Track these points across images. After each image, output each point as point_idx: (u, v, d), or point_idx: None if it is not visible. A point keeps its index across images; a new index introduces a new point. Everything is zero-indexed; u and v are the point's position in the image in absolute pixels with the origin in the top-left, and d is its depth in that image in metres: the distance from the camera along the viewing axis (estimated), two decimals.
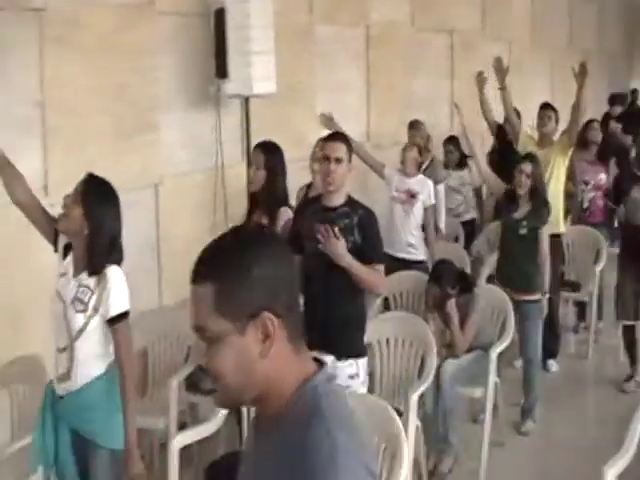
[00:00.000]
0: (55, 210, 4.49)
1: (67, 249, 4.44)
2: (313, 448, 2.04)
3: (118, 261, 4.37)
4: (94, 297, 4.28)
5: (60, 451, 4.40)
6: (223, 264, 2.15)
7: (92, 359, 4.34)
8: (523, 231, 7.15)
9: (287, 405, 2.14)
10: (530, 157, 7.42)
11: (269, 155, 5.80)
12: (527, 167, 7.16)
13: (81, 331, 4.30)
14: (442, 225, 8.98)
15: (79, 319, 4.29)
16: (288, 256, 2.24)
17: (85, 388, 4.35)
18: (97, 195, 4.33)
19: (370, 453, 2.26)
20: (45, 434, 4.43)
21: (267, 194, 5.76)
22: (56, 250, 4.50)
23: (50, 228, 4.50)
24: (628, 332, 8.11)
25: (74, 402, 4.37)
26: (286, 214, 5.71)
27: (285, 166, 5.96)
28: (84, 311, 4.29)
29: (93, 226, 4.28)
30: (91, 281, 4.30)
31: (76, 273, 4.35)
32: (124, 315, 4.33)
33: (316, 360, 2.30)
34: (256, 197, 5.84)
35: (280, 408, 2.14)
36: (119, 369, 4.32)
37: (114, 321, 4.30)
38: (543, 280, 7.24)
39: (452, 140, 10.01)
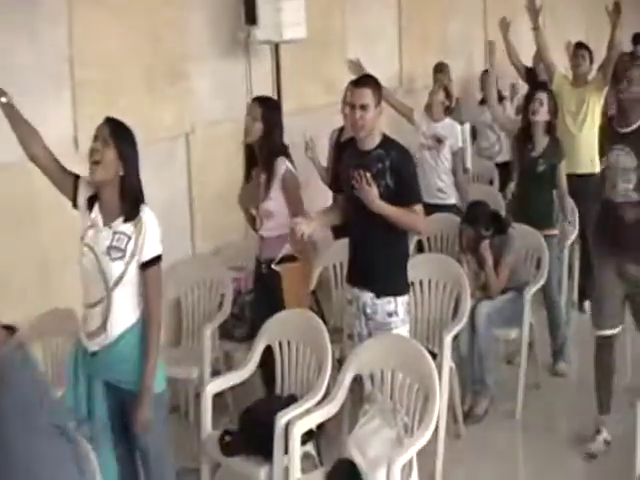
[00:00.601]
0: (85, 162, 4.45)
1: (91, 201, 4.38)
2: None
3: (145, 202, 4.35)
4: (131, 242, 4.25)
5: (94, 407, 4.39)
6: None
7: (128, 308, 4.32)
8: (541, 168, 7.06)
9: None
10: (544, 87, 7.34)
11: (266, 108, 5.75)
12: (542, 95, 7.07)
13: (119, 279, 4.27)
14: (469, 165, 8.96)
15: (117, 267, 4.26)
16: None
17: (121, 338, 4.32)
18: (124, 134, 4.32)
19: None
20: (77, 391, 4.41)
21: (264, 146, 5.72)
22: (75, 206, 4.43)
23: (69, 184, 4.43)
24: (606, 349, 5.97)
25: (110, 355, 4.35)
26: (283, 164, 5.67)
27: (282, 120, 5.91)
28: (122, 258, 4.25)
29: (127, 166, 4.26)
30: (127, 227, 4.26)
31: (107, 222, 4.30)
32: (157, 259, 4.31)
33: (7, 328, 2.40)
34: (252, 150, 5.81)
35: None
36: (148, 313, 4.31)
37: (147, 265, 4.29)
38: (558, 216, 7.26)
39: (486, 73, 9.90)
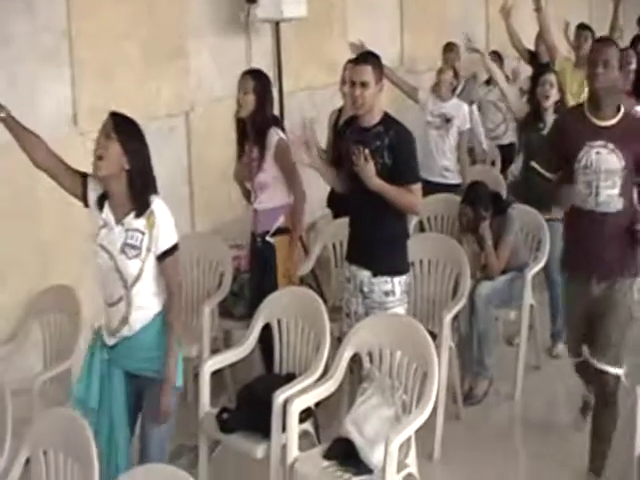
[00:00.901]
0: (83, 139, 4.40)
1: (101, 200, 4.30)
2: None
3: (156, 190, 4.27)
4: (146, 238, 4.19)
5: (112, 394, 4.34)
6: None
7: (149, 301, 4.28)
8: None
9: None
10: (549, 68, 7.30)
11: (257, 81, 5.73)
12: (550, 76, 7.03)
13: (138, 277, 4.22)
14: (485, 145, 8.94)
15: (134, 265, 4.20)
16: None
17: (143, 330, 4.30)
18: (129, 127, 4.22)
19: None
20: (90, 382, 4.37)
21: (256, 119, 5.70)
22: (86, 205, 4.35)
23: (77, 184, 4.34)
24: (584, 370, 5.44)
25: (131, 345, 4.31)
26: (276, 134, 5.67)
27: (272, 93, 5.89)
28: (138, 255, 4.20)
29: (132, 159, 4.16)
30: (139, 223, 4.19)
31: (119, 219, 4.23)
32: (174, 249, 4.26)
33: None
34: (244, 124, 5.79)
35: None
36: (169, 301, 4.28)
37: (165, 255, 4.23)
38: None
39: (495, 56, 9.86)
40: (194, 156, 7.05)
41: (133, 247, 4.20)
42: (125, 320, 4.28)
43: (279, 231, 5.79)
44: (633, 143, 4.88)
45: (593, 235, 5.00)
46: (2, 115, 4.24)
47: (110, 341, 4.35)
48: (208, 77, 7.17)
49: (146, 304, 4.28)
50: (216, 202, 7.11)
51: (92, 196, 4.31)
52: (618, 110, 4.92)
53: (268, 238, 5.77)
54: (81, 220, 4.66)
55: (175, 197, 6.55)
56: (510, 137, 9.85)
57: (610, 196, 4.90)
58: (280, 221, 5.76)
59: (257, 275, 5.97)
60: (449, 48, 9.56)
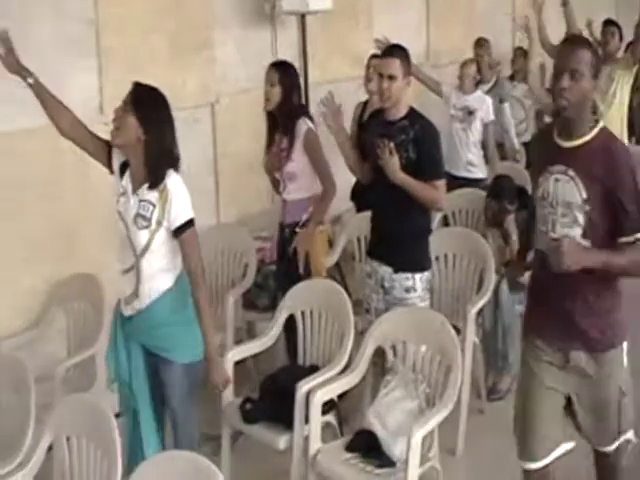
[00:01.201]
0: (109, 129, 4.42)
1: (123, 168, 4.35)
2: None
3: (176, 166, 4.29)
4: (156, 211, 4.21)
5: (132, 368, 4.41)
6: None
7: (159, 275, 4.30)
8: None
9: None
10: None
11: (283, 72, 5.71)
12: None
13: (146, 248, 4.24)
14: (515, 142, 8.91)
15: (143, 236, 4.23)
16: None
17: (153, 304, 4.32)
18: (148, 99, 4.25)
19: None
20: (118, 353, 4.44)
21: (284, 110, 5.68)
22: (111, 172, 4.41)
23: (102, 151, 4.40)
24: None
25: (143, 320, 4.35)
26: (305, 124, 5.63)
27: (299, 84, 5.88)
28: (147, 227, 4.22)
29: (148, 130, 4.18)
30: (152, 195, 4.21)
31: (135, 189, 4.27)
32: (189, 223, 4.24)
33: None
34: (273, 116, 5.77)
35: None
36: (191, 280, 4.28)
37: (180, 231, 4.23)
38: None
39: (520, 52, 9.83)
40: (219, 147, 7.04)
41: (144, 218, 4.24)
42: (136, 291, 4.32)
43: (309, 222, 5.73)
44: (599, 170, 3.74)
45: (556, 290, 3.89)
46: (30, 81, 4.33)
47: (126, 311, 4.40)
48: (233, 68, 7.16)
49: (155, 277, 4.30)
50: (241, 193, 7.12)
51: (115, 163, 4.38)
52: (592, 128, 3.83)
53: (298, 229, 5.71)
54: (105, 206, 4.67)
55: (200, 188, 6.57)
56: (529, 136, 9.80)
57: (568, 237, 3.76)
58: (309, 212, 5.71)
59: (284, 265, 5.92)
60: (479, 43, 9.52)
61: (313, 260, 5.69)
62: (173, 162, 4.28)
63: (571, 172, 3.77)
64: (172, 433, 4.54)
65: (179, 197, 4.22)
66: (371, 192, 5.47)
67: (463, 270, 6.22)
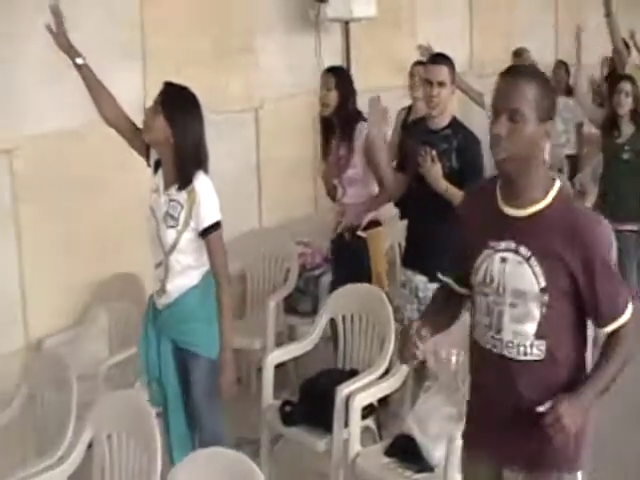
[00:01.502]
0: None
1: (157, 165, 4.40)
2: None
3: (205, 167, 4.30)
4: (184, 212, 4.24)
5: (162, 362, 4.46)
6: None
7: (186, 271, 4.33)
8: (627, 156, 6.94)
9: None
10: (628, 77, 7.22)
11: (339, 77, 5.68)
12: (626, 85, 6.96)
13: (173, 246, 4.29)
14: (546, 154, 8.80)
15: (171, 235, 4.27)
16: None
17: (180, 300, 4.36)
18: (177, 100, 4.26)
19: None
20: (148, 347, 4.50)
21: (342, 115, 5.64)
22: (149, 165, 4.46)
23: (143, 145, 4.44)
24: None
25: (171, 315, 4.40)
26: (364, 129, 5.57)
27: (354, 89, 5.80)
28: (175, 226, 4.26)
29: (177, 132, 4.19)
30: (180, 195, 4.25)
31: (166, 188, 4.31)
32: (216, 225, 4.27)
33: None
34: (329, 121, 5.73)
35: None
36: (215, 280, 4.31)
37: (206, 233, 4.26)
38: None
39: (561, 65, 9.79)
40: (262, 152, 7.07)
41: (172, 217, 4.27)
42: (163, 286, 4.37)
43: (371, 224, 5.68)
44: (560, 247, 2.91)
45: (500, 394, 3.11)
46: (79, 61, 4.38)
47: (158, 304, 4.44)
48: (277, 74, 7.19)
49: (182, 274, 4.33)
50: (284, 198, 7.13)
51: (153, 158, 4.42)
52: (547, 192, 2.99)
53: (360, 232, 5.63)
54: (146, 205, 4.69)
55: (243, 193, 6.62)
56: (571, 148, 9.73)
57: (518, 334, 3.00)
58: (370, 215, 5.66)
59: (342, 269, 5.82)
60: (518, 53, 9.50)
61: (374, 260, 5.66)
62: (201, 163, 4.30)
63: (523, 250, 2.95)
64: (197, 431, 4.54)
65: (207, 199, 4.25)
66: (410, 200, 5.45)
67: None
